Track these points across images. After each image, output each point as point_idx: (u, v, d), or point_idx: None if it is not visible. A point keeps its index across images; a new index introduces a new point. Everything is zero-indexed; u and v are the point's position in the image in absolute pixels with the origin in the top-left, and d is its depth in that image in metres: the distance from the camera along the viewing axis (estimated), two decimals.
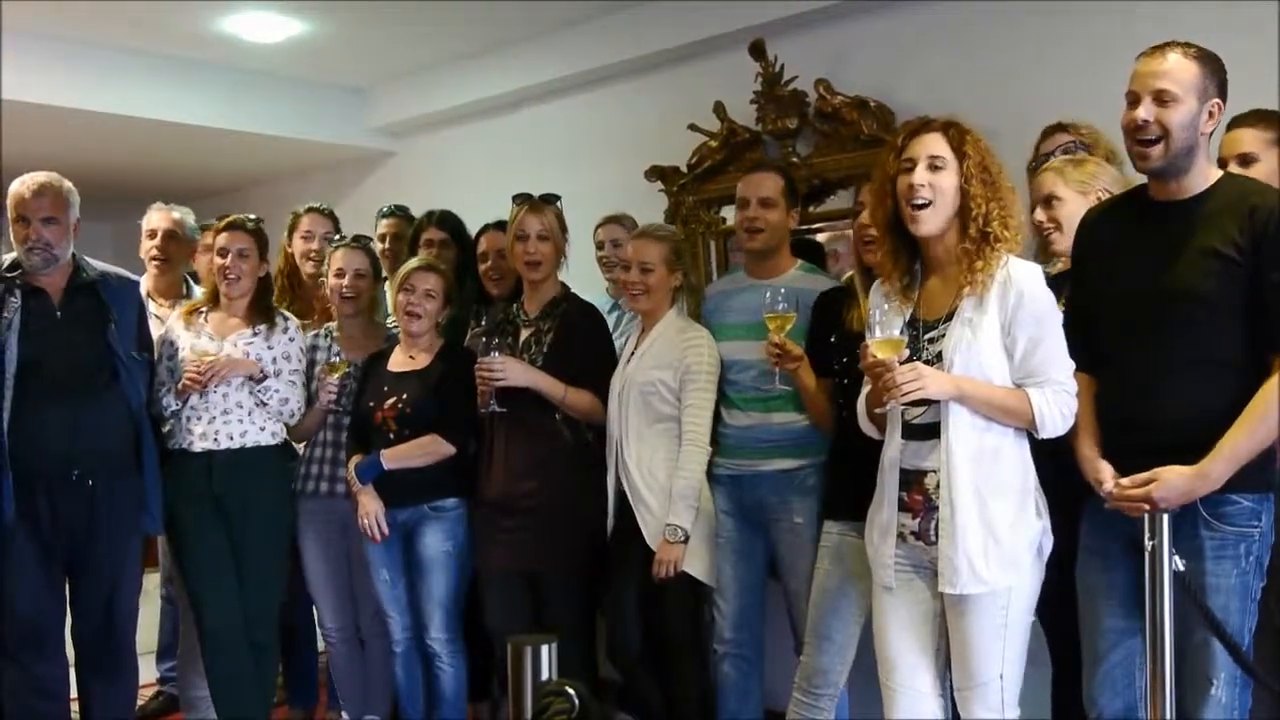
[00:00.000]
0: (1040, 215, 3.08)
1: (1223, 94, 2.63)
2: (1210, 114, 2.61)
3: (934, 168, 2.68)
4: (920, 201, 2.68)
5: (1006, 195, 2.69)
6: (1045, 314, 2.65)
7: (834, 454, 3.43)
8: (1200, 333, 2.59)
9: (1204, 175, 2.65)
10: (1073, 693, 2.96)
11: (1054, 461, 2.76)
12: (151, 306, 4.39)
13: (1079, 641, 2.83)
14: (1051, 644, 3.13)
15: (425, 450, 3.79)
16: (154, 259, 4.56)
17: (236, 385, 3.87)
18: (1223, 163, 2.98)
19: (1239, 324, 2.57)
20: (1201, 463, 2.52)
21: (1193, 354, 2.60)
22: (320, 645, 4.43)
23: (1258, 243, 2.53)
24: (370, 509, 3.78)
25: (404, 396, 3.81)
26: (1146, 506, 2.53)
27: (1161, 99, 2.58)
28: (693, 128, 4.75)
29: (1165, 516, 2.50)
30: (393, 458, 3.78)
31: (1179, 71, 2.58)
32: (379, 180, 6.66)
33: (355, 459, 3.85)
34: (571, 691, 1.57)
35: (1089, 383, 2.73)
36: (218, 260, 3.93)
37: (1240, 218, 2.56)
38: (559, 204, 3.86)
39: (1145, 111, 2.59)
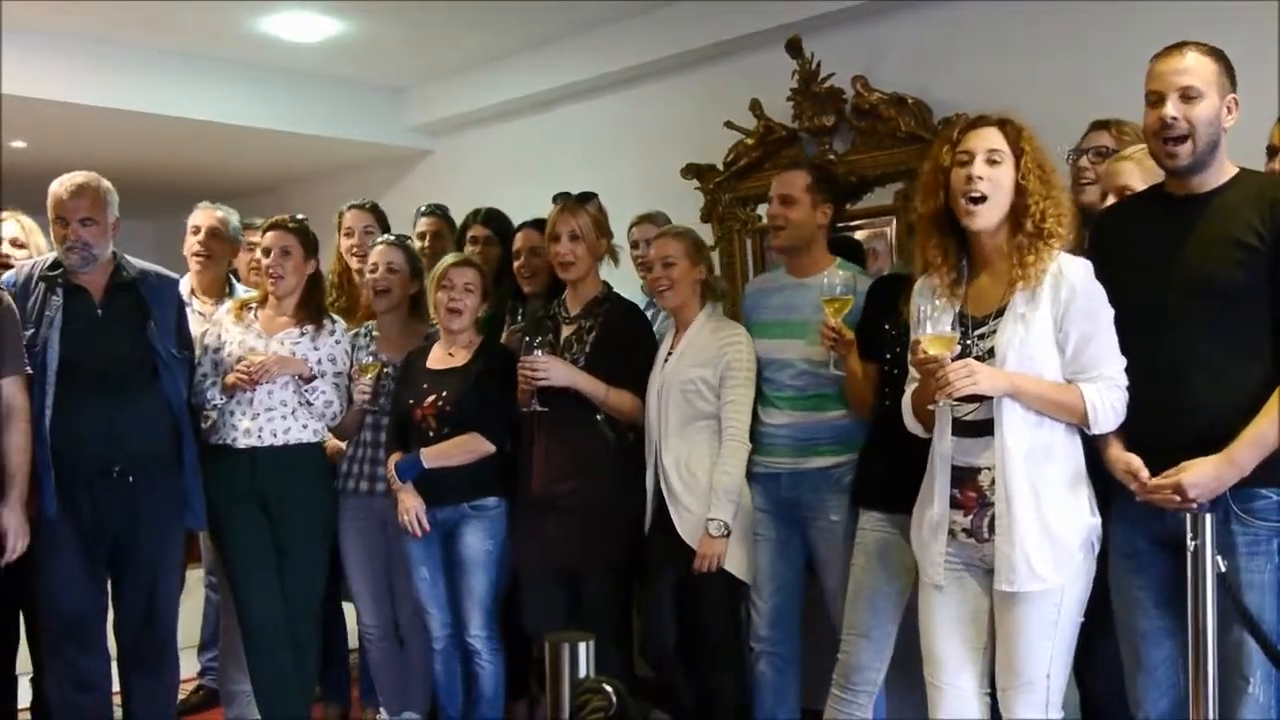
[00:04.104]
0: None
1: (1235, 88, 2.65)
2: (1229, 109, 2.63)
3: (992, 162, 2.67)
4: (977, 194, 2.66)
5: (1059, 193, 2.69)
6: (1097, 309, 2.64)
7: (871, 443, 3.41)
8: (1224, 323, 2.59)
9: (1222, 170, 2.66)
10: (1096, 687, 2.96)
11: (1091, 460, 2.73)
12: (194, 303, 4.45)
13: (1101, 635, 2.80)
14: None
15: (465, 448, 3.79)
16: (197, 255, 4.61)
17: (281, 384, 3.89)
18: (1275, 150, 2.98)
19: (1263, 313, 2.56)
20: (1228, 449, 2.51)
21: (1217, 344, 2.59)
22: (352, 642, 4.45)
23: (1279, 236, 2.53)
24: (410, 506, 3.79)
25: (443, 394, 3.82)
26: (1177, 498, 2.52)
27: (1187, 96, 2.59)
28: (729, 125, 4.74)
29: (1208, 516, 2.47)
30: (432, 456, 3.79)
31: (1200, 68, 2.60)
32: (417, 179, 6.69)
33: (395, 457, 3.87)
34: (609, 689, 1.57)
35: None
36: (262, 260, 3.96)
37: (1261, 209, 2.56)
38: (596, 202, 3.86)
39: (1173, 109, 2.59)
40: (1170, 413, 2.61)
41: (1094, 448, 2.71)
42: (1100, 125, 3.34)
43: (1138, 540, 2.70)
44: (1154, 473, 2.58)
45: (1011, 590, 2.64)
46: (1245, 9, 3.47)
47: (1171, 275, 2.63)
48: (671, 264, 3.65)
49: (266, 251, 3.95)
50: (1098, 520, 2.70)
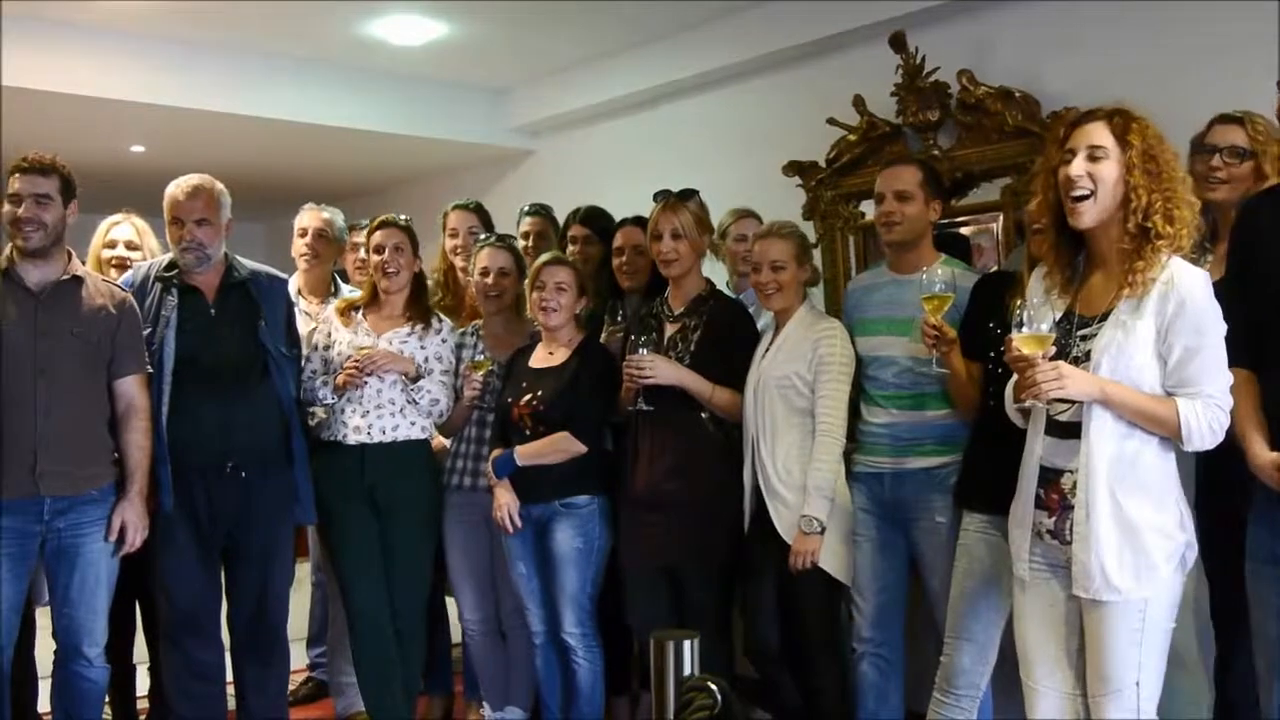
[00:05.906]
0: None
1: None
2: None
3: (1094, 158, 2.58)
4: (1079, 193, 2.58)
5: (1175, 187, 2.56)
6: (1206, 323, 2.53)
7: (976, 444, 3.36)
8: None
9: None
10: (1234, 678, 2.90)
11: (1228, 461, 2.65)
12: (301, 303, 4.53)
13: (1239, 639, 2.74)
14: (1218, 630, 3.03)
15: (556, 447, 3.81)
16: (304, 256, 4.71)
17: (390, 382, 3.95)
18: None
19: None
20: None
21: None
22: (455, 637, 4.50)
23: None
24: (504, 502, 3.83)
25: (539, 394, 3.85)
26: None
27: None
28: (831, 122, 4.70)
29: None
30: (525, 455, 3.82)
31: None
32: (520, 179, 6.75)
33: (495, 453, 3.91)
34: (714, 687, 1.57)
35: (1250, 378, 2.62)
36: (374, 257, 4.02)
37: None
38: (698, 199, 3.85)
39: None
40: None
41: (1236, 447, 2.62)
42: (1229, 120, 3.20)
43: (1275, 546, 2.62)
44: None
45: (1087, 597, 2.59)
46: None
47: None
48: (781, 268, 3.62)
49: (379, 249, 4.02)
50: (1188, 536, 2.60)
